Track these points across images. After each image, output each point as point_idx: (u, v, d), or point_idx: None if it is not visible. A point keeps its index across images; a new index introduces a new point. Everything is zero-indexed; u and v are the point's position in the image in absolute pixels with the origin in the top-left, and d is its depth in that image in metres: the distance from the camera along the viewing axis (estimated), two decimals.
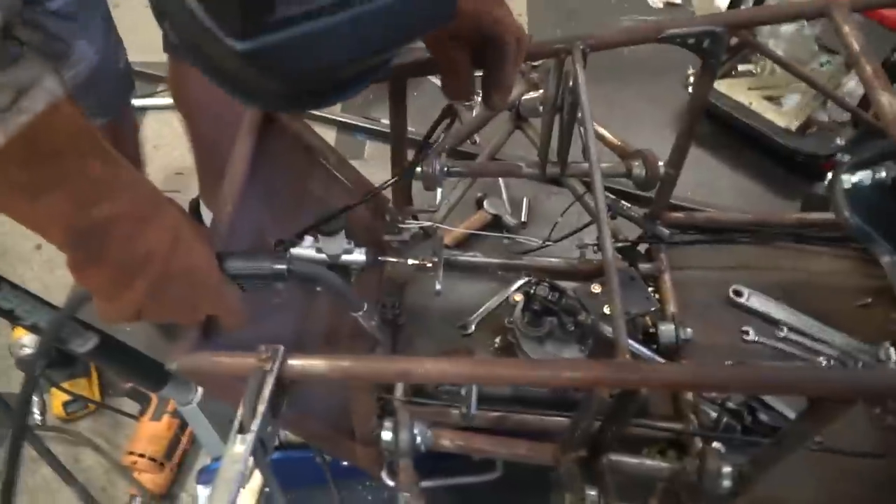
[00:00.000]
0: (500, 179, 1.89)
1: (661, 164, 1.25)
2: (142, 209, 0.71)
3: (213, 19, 0.54)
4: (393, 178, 1.12)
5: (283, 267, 0.85)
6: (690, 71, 1.95)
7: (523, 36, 0.98)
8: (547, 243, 1.38)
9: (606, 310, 1.15)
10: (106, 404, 1.64)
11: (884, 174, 0.91)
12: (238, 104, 0.81)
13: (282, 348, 0.81)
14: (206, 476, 1.29)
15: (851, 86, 1.84)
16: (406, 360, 0.78)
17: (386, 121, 1.89)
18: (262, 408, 0.76)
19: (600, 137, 1.42)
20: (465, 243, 1.71)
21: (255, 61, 0.56)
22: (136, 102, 2.16)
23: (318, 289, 0.99)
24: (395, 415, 0.97)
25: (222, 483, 0.72)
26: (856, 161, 1.03)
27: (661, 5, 2.44)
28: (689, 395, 1.15)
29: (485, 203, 1.82)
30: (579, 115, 1.14)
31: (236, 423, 0.76)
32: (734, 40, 1.15)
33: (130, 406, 1.59)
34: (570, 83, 1.11)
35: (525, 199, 1.88)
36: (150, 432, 1.41)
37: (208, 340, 0.89)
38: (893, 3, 1.02)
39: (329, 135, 2.20)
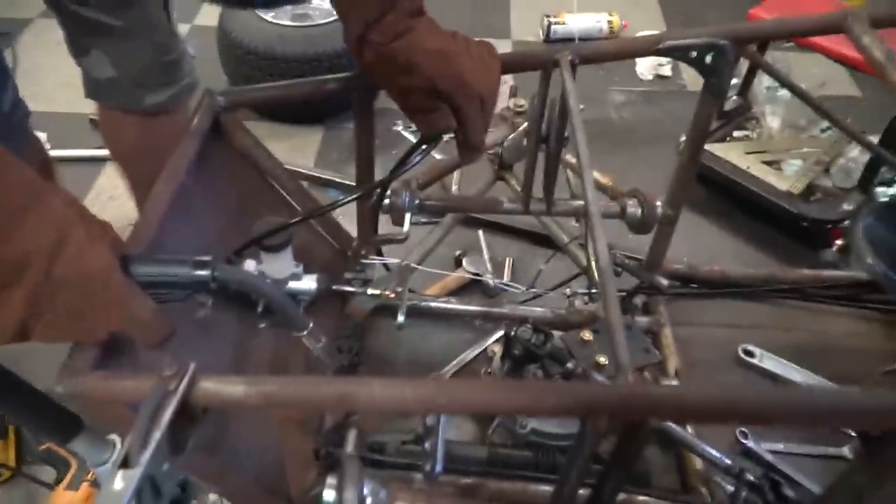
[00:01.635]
0: (482, 236, 1.76)
1: (658, 203, 1.12)
2: (14, 200, 0.57)
3: None
4: (353, 196, 0.97)
5: (206, 273, 0.69)
6: (683, 139, 1.86)
7: (489, 95, 0.89)
8: (532, 291, 1.22)
9: (601, 359, 0.99)
10: (22, 471, 1.42)
11: None
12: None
13: (192, 365, 0.63)
14: None
15: (855, 154, 1.74)
16: (347, 382, 0.61)
17: None
18: (156, 436, 0.58)
19: None
20: None
21: None
22: (93, 153, 2.06)
23: (260, 316, 0.83)
24: (340, 470, 0.78)
25: None
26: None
27: (650, 77, 2.40)
28: (699, 464, 0.97)
29: (464, 261, 1.68)
30: (567, 139, 1.03)
31: (119, 455, 0.58)
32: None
33: (49, 474, 1.37)
34: (558, 103, 1.00)
35: (508, 259, 1.73)
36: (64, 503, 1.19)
37: (113, 362, 0.72)
38: None
39: None
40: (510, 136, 1.39)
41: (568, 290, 1.20)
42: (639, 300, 1.24)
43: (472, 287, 1.65)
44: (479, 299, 1.50)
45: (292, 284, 0.92)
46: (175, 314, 0.72)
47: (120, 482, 0.56)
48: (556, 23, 2.57)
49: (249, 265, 0.90)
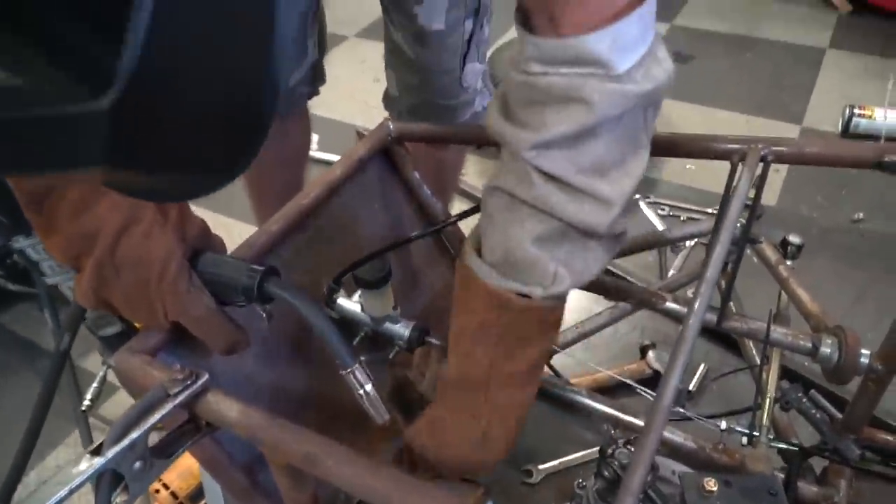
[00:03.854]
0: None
1: (865, 352, 0.89)
2: None
3: None
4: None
5: (253, 282, 0.68)
6: None
7: None
8: (679, 411, 1.04)
9: None
10: None
11: None
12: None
13: (205, 376, 0.63)
14: None
15: None
16: (318, 442, 0.55)
17: None
18: (134, 435, 0.59)
19: (792, 296, 1.07)
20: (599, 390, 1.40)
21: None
22: None
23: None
24: None
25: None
26: None
27: None
28: None
29: (650, 354, 1.50)
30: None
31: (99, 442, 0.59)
32: None
33: None
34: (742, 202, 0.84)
35: (703, 367, 1.51)
36: (185, 465, 1.28)
37: (186, 357, 0.74)
38: None
39: None
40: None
41: (724, 423, 0.99)
42: (818, 463, 0.98)
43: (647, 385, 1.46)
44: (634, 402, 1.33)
45: (387, 325, 0.88)
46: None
47: (83, 465, 0.57)
48: (860, 115, 2.20)
49: (356, 296, 0.89)
